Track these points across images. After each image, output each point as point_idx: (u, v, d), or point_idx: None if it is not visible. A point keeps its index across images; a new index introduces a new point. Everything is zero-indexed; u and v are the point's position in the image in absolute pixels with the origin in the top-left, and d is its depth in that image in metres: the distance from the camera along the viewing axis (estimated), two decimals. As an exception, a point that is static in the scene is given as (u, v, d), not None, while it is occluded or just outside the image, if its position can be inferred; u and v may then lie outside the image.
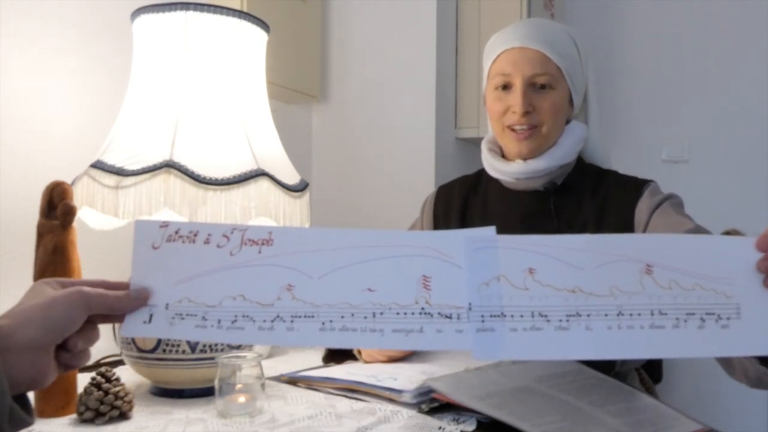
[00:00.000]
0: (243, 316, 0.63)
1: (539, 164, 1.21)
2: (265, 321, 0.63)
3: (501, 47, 1.23)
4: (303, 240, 0.66)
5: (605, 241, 0.67)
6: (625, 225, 1.16)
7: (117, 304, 0.61)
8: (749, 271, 0.65)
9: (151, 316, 0.63)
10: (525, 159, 1.22)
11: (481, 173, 1.34)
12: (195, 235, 0.66)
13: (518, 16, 1.98)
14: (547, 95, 1.20)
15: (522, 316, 0.64)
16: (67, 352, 0.59)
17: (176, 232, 0.66)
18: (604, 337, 0.63)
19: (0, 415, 0.52)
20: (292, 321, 0.63)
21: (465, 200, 1.32)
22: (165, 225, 0.66)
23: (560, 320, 0.64)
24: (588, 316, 0.64)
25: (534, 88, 1.20)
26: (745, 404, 2.37)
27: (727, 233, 0.89)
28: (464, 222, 1.29)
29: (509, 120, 1.21)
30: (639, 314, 0.64)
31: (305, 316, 0.63)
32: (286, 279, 0.65)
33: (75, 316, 0.57)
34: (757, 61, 2.45)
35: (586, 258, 0.66)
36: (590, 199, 1.21)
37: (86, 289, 0.59)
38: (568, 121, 1.26)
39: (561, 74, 1.21)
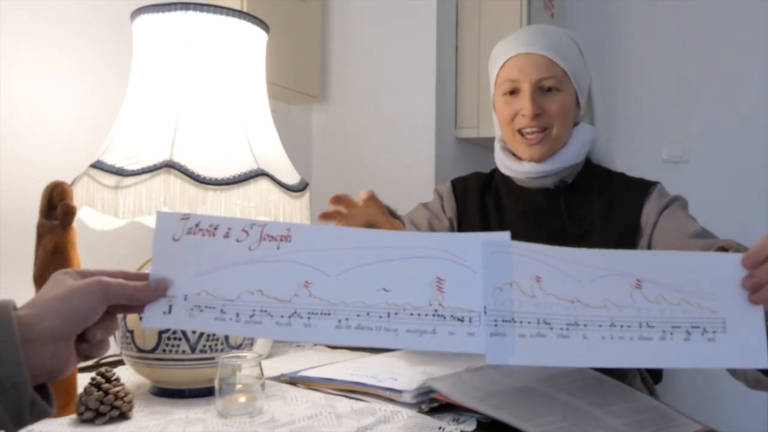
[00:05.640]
0: (261, 311, 0.64)
1: (549, 165, 1.24)
2: (282, 316, 0.64)
3: (506, 55, 1.25)
4: (321, 238, 0.67)
5: (602, 255, 0.69)
6: (632, 224, 1.19)
7: (136, 294, 0.62)
8: (735, 288, 0.68)
9: (170, 307, 0.64)
10: (537, 162, 1.24)
11: (494, 172, 1.37)
12: (215, 228, 0.67)
13: (518, 16, 1.98)
14: (555, 97, 1.22)
15: (529, 322, 0.65)
16: (86, 342, 0.59)
17: (196, 225, 0.67)
18: (598, 347, 0.66)
19: (21, 405, 0.52)
20: (309, 318, 0.64)
21: (482, 194, 1.34)
22: (186, 217, 0.67)
23: (561, 328, 0.66)
24: (585, 325, 0.66)
25: (542, 91, 1.22)
26: (745, 404, 2.37)
27: (722, 248, 0.91)
28: (484, 216, 1.31)
29: (519, 123, 1.24)
30: (629, 326, 0.66)
31: (322, 314, 0.64)
32: (304, 276, 0.66)
33: (94, 306, 0.58)
34: (757, 61, 2.45)
35: (584, 271, 0.68)
36: (598, 198, 1.24)
37: (106, 279, 0.59)
38: (575, 123, 1.28)
39: (566, 77, 1.23)
